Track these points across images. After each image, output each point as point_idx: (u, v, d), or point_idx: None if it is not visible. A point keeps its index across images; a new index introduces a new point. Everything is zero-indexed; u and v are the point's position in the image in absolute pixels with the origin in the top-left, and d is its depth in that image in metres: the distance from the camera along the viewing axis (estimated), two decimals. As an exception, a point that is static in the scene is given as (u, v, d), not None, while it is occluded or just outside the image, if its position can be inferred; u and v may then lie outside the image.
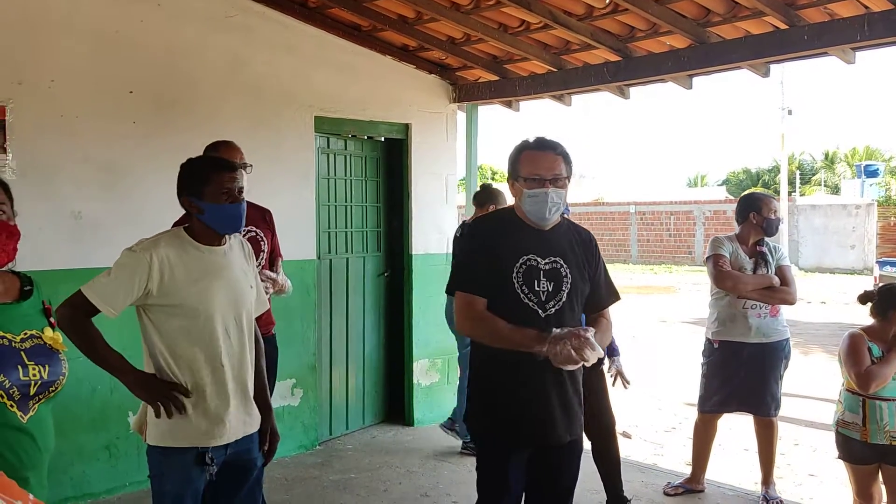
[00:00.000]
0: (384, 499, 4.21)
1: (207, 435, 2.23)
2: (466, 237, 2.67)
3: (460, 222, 5.17)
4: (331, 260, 5.21)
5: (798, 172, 33.42)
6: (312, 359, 4.97)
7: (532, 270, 2.40)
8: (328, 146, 5.20)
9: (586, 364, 2.30)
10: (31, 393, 1.72)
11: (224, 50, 4.57)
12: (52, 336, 1.85)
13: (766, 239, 4.20)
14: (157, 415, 2.19)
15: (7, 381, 1.67)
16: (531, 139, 2.53)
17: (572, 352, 2.23)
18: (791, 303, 4.06)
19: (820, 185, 34.54)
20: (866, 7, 3.79)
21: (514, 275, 2.39)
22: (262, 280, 3.21)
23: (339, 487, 4.37)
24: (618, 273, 22.55)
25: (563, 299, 2.43)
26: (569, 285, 2.44)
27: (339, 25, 5.04)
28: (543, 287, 2.40)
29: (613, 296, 2.64)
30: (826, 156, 37.16)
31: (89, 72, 4.07)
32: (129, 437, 4.20)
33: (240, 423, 2.31)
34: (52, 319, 1.91)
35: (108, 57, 4.13)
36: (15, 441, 1.69)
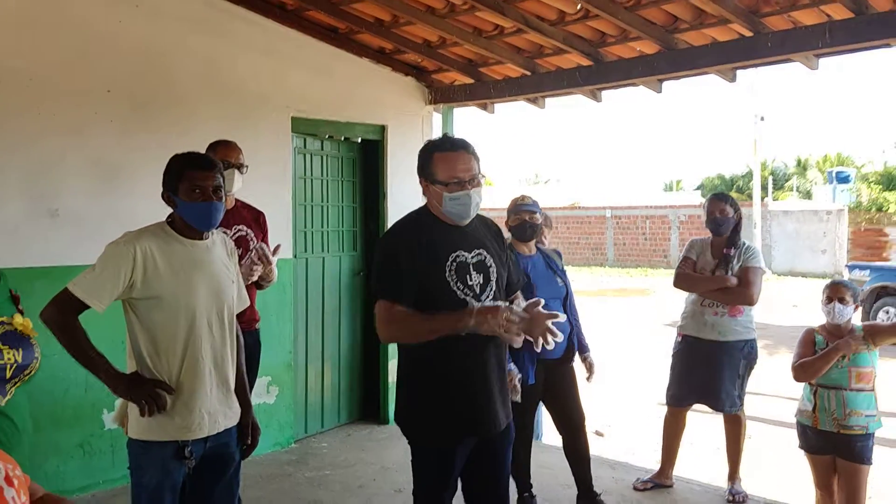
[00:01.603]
0: (359, 495, 4.26)
1: (187, 428, 2.27)
2: (381, 244, 2.54)
3: None
4: (307, 259, 5.26)
5: (771, 178, 33.87)
6: (288, 357, 5.00)
7: (462, 266, 2.43)
8: (305, 147, 5.25)
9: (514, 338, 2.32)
10: (8, 376, 1.76)
11: (202, 51, 4.60)
12: (22, 322, 1.90)
13: (745, 241, 4.31)
14: (142, 413, 2.21)
15: None
16: (439, 139, 2.53)
17: (508, 318, 2.24)
18: (747, 303, 4.14)
19: (792, 190, 35.05)
20: (828, 15, 3.93)
21: (448, 273, 2.40)
22: (258, 257, 3.25)
23: (314, 484, 4.42)
24: (594, 276, 22.83)
25: (494, 288, 2.48)
26: (495, 274, 2.50)
27: (316, 28, 5.09)
28: (475, 280, 2.43)
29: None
30: (798, 162, 37.71)
31: (67, 70, 4.09)
32: (103, 434, 4.22)
33: (220, 416, 2.35)
34: (20, 307, 1.95)
35: (86, 56, 4.15)
36: None
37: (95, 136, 4.18)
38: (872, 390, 3.89)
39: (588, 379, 4.02)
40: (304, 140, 5.24)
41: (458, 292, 2.40)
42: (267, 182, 4.79)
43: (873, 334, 3.93)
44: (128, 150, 4.27)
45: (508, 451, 2.64)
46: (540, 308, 2.30)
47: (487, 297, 2.46)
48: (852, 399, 3.82)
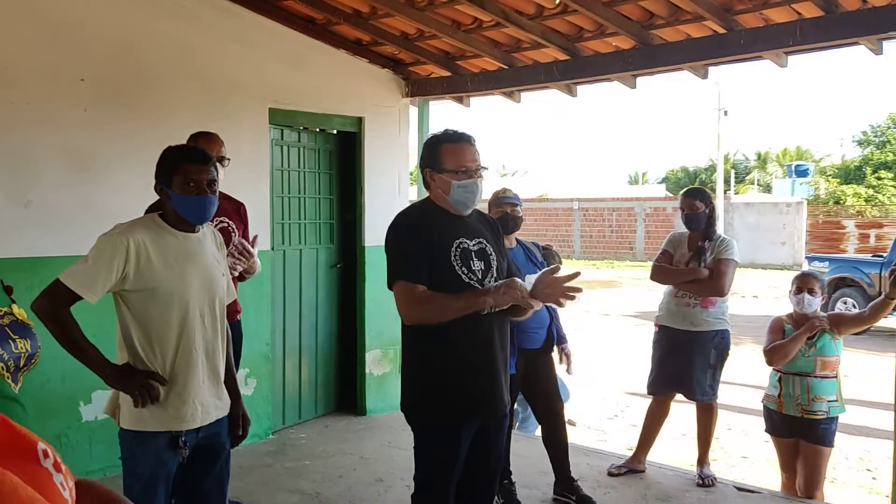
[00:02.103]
0: (339, 484, 4.29)
1: (181, 418, 2.28)
2: (393, 232, 2.62)
3: None
4: (284, 251, 5.25)
5: (733, 171, 34.54)
6: (266, 349, 5.00)
7: (466, 252, 2.55)
8: (282, 138, 5.23)
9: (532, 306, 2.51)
10: (21, 364, 1.76)
11: (177, 39, 4.56)
12: (20, 311, 1.90)
13: (720, 234, 4.43)
14: (136, 404, 2.22)
15: (5, 354, 1.71)
16: (445, 132, 2.65)
17: (523, 295, 2.44)
18: (717, 294, 4.24)
19: (753, 184, 35.77)
20: (798, 13, 4.03)
21: (453, 258, 2.52)
22: (239, 253, 3.28)
23: (294, 474, 4.43)
24: (561, 268, 22.90)
25: (495, 275, 2.60)
26: (495, 262, 2.63)
27: (293, 18, 5.07)
28: (478, 266, 2.56)
29: (516, 269, 2.83)
30: (759, 156, 38.50)
31: (40, 59, 4.02)
32: (80, 426, 4.19)
33: (212, 407, 2.36)
34: (12, 297, 1.94)
35: (59, 44, 4.09)
36: (10, 411, 1.73)
37: (69, 126, 4.12)
38: (836, 377, 4.06)
39: (568, 370, 4.10)
40: (282, 131, 5.22)
41: (464, 276, 2.51)
42: (244, 174, 4.76)
43: (838, 324, 4.11)
44: (102, 140, 4.22)
45: (503, 437, 2.72)
46: (557, 274, 2.50)
47: (489, 282, 2.56)
48: (816, 385, 3.98)
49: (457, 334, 2.49)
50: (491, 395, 2.59)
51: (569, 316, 12.42)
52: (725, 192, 25.21)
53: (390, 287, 2.57)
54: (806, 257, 13.73)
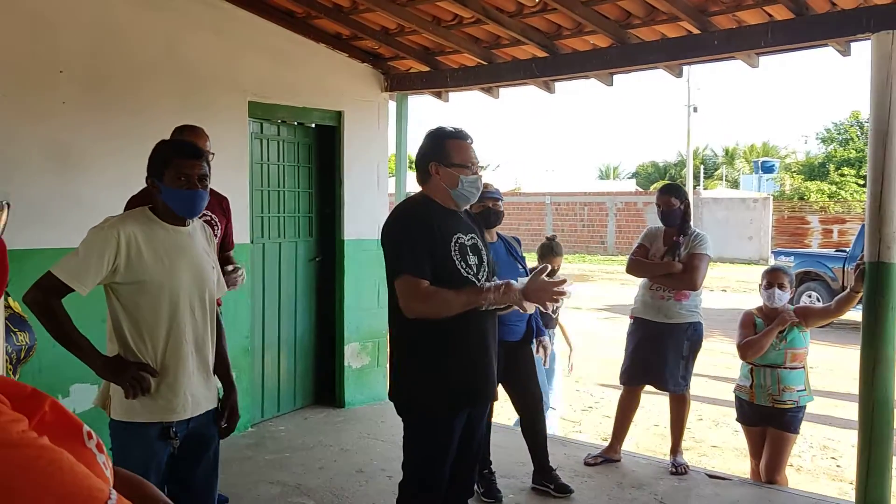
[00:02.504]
0: (320, 476, 4.33)
1: (171, 409, 2.31)
2: (398, 224, 2.65)
3: None
4: (264, 244, 5.26)
5: (702, 167, 35.02)
6: (245, 342, 5.02)
7: (463, 247, 2.63)
8: (261, 131, 5.23)
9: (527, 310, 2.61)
10: (21, 357, 1.78)
11: (156, 32, 4.54)
12: (15, 304, 1.91)
13: (695, 229, 4.54)
14: (128, 396, 2.25)
15: (9, 347, 1.73)
16: (448, 129, 2.71)
17: (517, 296, 2.53)
18: (690, 288, 4.36)
19: (721, 179, 36.32)
20: (770, 15, 4.15)
21: (453, 252, 2.58)
22: (236, 269, 3.37)
23: (275, 466, 4.46)
24: (533, 262, 23.14)
25: (487, 269, 2.69)
26: (486, 255, 2.72)
27: (274, 11, 5.07)
28: (473, 261, 2.64)
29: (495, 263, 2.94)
30: (727, 152, 39.09)
31: (18, 51, 3.98)
32: (59, 420, 4.16)
33: (202, 397, 2.39)
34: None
35: (37, 36, 4.05)
36: None
37: (48, 118, 4.09)
38: (804, 368, 4.21)
39: (545, 363, 4.19)
40: (261, 125, 5.22)
41: (462, 271, 2.58)
42: (224, 167, 4.74)
43: (805, 317, 4.26)
44: (81, 132, 4.20)
45: (485, 423, 2.83)
46: (544, 276, 2.57)
47: (483, 275, 2.64)
48: (786, 376, 4.13)
49: (456, 328, 2.56)
50: (486, 385, 2.68)
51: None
52: (695, 187, 25.57)
53: (393, 280, 2.59)
54: (772, 252, 14.02)
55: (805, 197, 26.65)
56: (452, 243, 2.59)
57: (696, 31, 4.34)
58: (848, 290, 4.11)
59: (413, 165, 2.77)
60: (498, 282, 2.59)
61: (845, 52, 4.25)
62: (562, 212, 26.42)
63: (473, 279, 2.60)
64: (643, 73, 5.10)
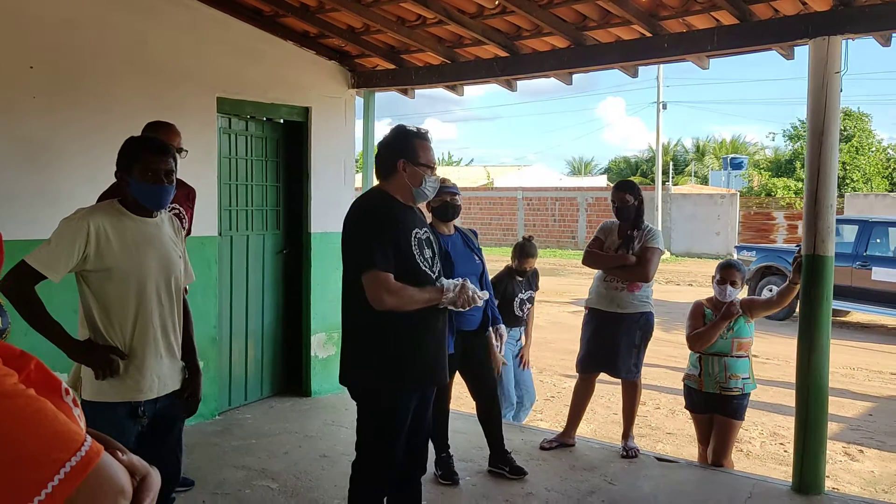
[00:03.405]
0: (284, 461, 4.48)
1: (139, 390, 2.45)
2: (364, 220, 2.75)
3: None
4: (232, 237, 5.38)
5: (672, 163, 35.50)
6: (213, 331, 5.14)
7: (420, 241, 2.80)
8: (230, 127, 5.35)
9: (478, 304, 2.81)
10: None
11: (127, 28, 4.63)
12: None
13: (648, 224, 4.74)
14: (97, 377, 2.39)
15: None
16: (412, 129, 2.88)
17: (471, 295, 2.74)
18: (642, 279, 4.57)
19: (691, 175, 36.84)
20: (717, 20, 4.36)
21: (413, 247, 2.75)
22: None
23: (240, 452, 4.60)
24: (505, 257, 23.44)
25: (438, 262, 2.88)
26: (437, 248, 2.91)
27: (242, 9, 5.18)
28: (429, 254, 2.82)
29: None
30: (697, 148, 39.65)
31: (-13, 45, 4.07)
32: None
33: (168, 379, 2.54)
34: None
35: (8, 33, 4.12)
36: None
37: (18, 113, 4.17)
38: (748, 357, 4.44)
39: (499, 349, 4.37)
40: (229, 120, 5.33)
41: (422, 264, 2.76)
42: (192, 161, 4.84)
43: (750, 308, 4.48)
44: (52, 126, 4.28)
45: (432, 404, 3.01)
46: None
47: (437, 268, 2.83)
48: (732, 364, 4.35)
49: (410, 316, 2.73)
50: (436, 368, 2.86)
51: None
52: (664, 182, 25.98)
53: (359, 274, 2.70)
54: (735, 247, 14.36)
55: (772, 193, 27.17)
56: (412, 237, 2.75)
57: (648, 35, 4.53)
58: (787, 282, 4.35)
59: (377, 161, 2.89)
60: (456, 281, 2.78)
61: (789, 55, 4.47)
62: (533, 206, 26.69)
63: (429, 271, 2.78)
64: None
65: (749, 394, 4.48)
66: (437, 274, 2.84)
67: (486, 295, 2.86)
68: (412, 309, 2.71)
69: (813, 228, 4.06)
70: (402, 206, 2.82)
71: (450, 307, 2.80)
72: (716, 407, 4.40)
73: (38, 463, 0.85)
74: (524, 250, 5.24)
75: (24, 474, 0.84)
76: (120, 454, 1.01)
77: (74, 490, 0.86)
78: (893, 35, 4.18)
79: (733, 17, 4.22)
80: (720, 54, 4.61)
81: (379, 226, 2.73)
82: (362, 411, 2.85)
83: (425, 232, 2.86)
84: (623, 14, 4.33)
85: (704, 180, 34.98)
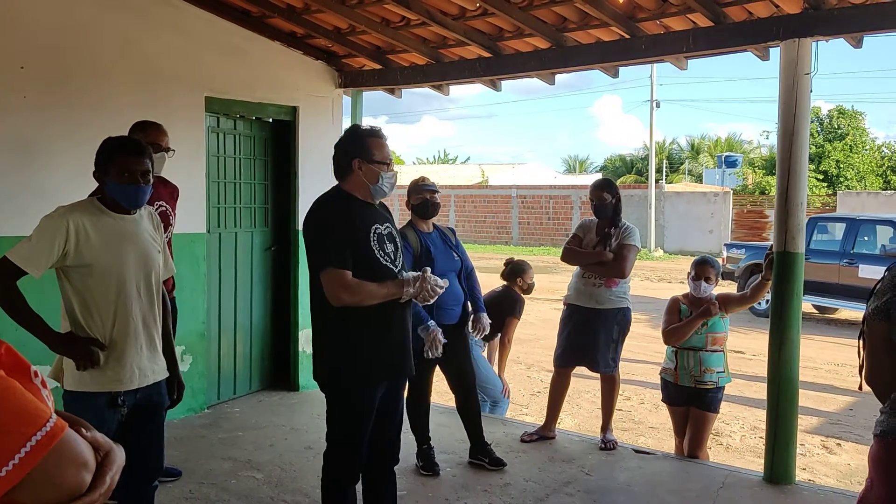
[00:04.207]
0: (270, 452, 4.58)
1: (120, 381, 2.55)
2: (320, 220, 2.83)
3: None
4: (220, 234, 5.47)
5: (667, 161, 35.61)
6: (202, 327, 5.24)
7: (381, 236, 2.88)
8: (218, 125, 5.44)
9: (438, 293, 2.89)
10: None
11: (116, 29, 4.72)
12: None
13: (625, 222, 4.83)
14: (79, 368, 2.49)
15: None
16: (365, 127, 2.99)
17: (432, 288, 2.82)
18: (619, 276, 4.66)
19: (686, 174, 36.96)
20: (693, 22, 4.46)
21: (372, 243, 2.83)
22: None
23: (227, 444, 4.70)
24: (499, 254, 23.58)
25: (401, 254, 2.97)
26: (399, 242, 3.00)
27: (229, 10, 5.27)
28: (390, 248, 2.91)
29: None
30: (692, 146, 39.76)
31: (-22, 47, 4.16)
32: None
33: (148, 370, 2.64)
34: None
35: (-1, 33, 4.22)
36: None
37: (8, 112, 4.26)
38: (723, 351, 4.55)
39: (479, 336, 4.47)
40: (218, 119, 5.43)
41: (382, 259, 2.84)
42: (181, 159, 4.92)
43: (726, 303, 4.59)
44: (41, 125, 4.37)
45: (403, 396, 3.11)
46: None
47: (400, 261, 2.92)
48: (707, 358, 4.46)
49: (376, 309, 2.81)
50: (402, 360, 2.95)
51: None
52: (658, 181, 26.10)
53: (317, 273, 2.81)
54: (725, 245, 14.47)
55: (766, 191, 27.30)
56: (371, 234, 2.84)
57: (626, 36, 4.63)
58: (759, 278, 4.45)
59: (334, 162, 2.97)
60: (414, 274, 2.87)
61: (764, 56, 4.57)
62: (528, 204, 26.79)
63: (391, 266, 2.87)
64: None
65: (724, 387, 4.59)
66: (399, 267, 2.91)
67: (446, 283, 2.92)
68: (371, 304, 2.78)
69: (784, 226, 4.16)
70: (361, 203, 2.89)
71: (414, 300, 2.89)
72: (691, 400, 4.51)
73: (6, 436, 0.95)
74: (515, 272, 5.56)
75: None
76: (84, 431, 1.10)
77: (40, 461, 0.96)
78: (864, 36, 4.29)
79: (708, 20, 4.32)
80: (697, 55, 4.71)
81: (333, 225, 2.80)
82: (330, 403, 2.95)
83: (386, 227, 2.93)
84: (601, 16, 4.42)
85: (699, 178, 35.08)
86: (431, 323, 3.95)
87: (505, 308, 5.59)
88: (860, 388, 2.23)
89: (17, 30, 4.29)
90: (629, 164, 40.13)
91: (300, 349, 5.94)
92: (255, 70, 5.52)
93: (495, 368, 5.76)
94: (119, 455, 1.11)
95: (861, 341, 2.17)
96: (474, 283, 4.43)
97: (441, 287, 2.87)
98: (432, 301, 2.89)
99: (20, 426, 0.95)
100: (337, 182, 2.96)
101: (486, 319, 4.38)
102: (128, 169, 2.54)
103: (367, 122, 6.32)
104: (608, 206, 4.77)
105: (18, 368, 1.08)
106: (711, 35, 4.39)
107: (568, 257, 4.84)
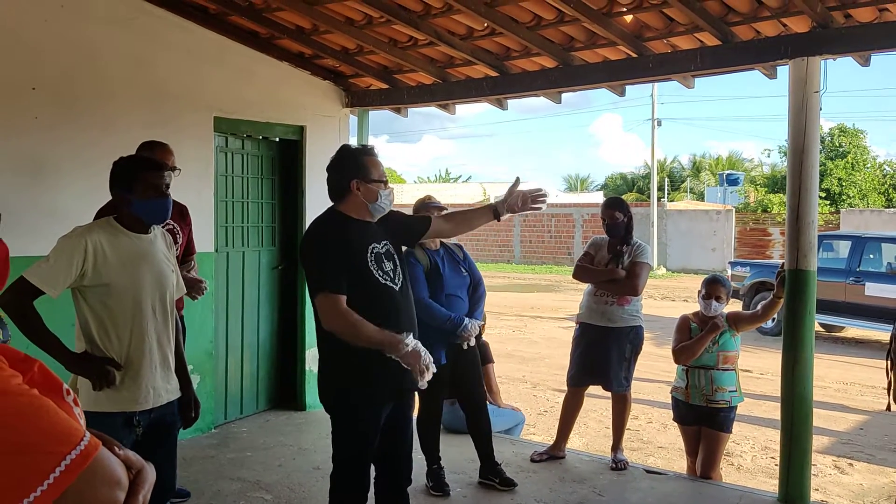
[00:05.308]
0: (278, 472, 4.55)
1: (134, 400, 2.54)
2: (314, 245, 2.80)
3: None
4: (228, 253, 5.47)
5: (668, 179, 35.68)
6: (210, 346, 5.22)
7: (378, 255, 2.85)
8: (226, 145, 5.46)
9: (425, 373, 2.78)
10: None
11: (127, 51, 4.75)
12: None
13: (637, 240, 4.84)
14: (95, 388, 2.48)
15: None
16: (360, 147, 3.00)
17: (423, 366, 2.74)
18: (632, 293, 4.65)
19: (687, 192, 37.02)
20: (701, 41, 4.48)
21: (370, 262, 2.80)
22: (201, 281, 3.65)
23: (235, 464, 4.67)
24: (502, 273, 23.60)
25: (401, 272, 2.92)
26: (399, 260, 2.95)
27: (239, 32, 5.31)
28: (389, 267, 2.86)
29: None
30: (694, 164, 39.86)
31: (-7, 68, 4.18)
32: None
33: (163, 390, 2.63)
34: None
35: (10, 55, 4.24)
36: None
37: (19, 132, 4.28)
38: (735, 370, 4.52)
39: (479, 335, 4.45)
40: (226, 139, 5.45)
41: (381, 279, 2.81)
42: (190, 179, 4.96)
43: (736, 322, 4.57)
44: (52, 145, 4.39)
45: (411, 418, 3.11)
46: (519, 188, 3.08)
47: (400, 279, 2.88)
48: (718, 377, 4.42)
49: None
50: (405, 381, 2.87)
51: (508, 318, 12.87)
52: (660, 199, 26.13)
53: (313, 296, 2.80)
54: (729, 263, 14.45)
55: (768, 209, 27.35)
56: (368, 254, 2.81)
57: (633, 55, 4.66)
58: (771, 296, 4.44)
59: (329, 184, 2.93)
60: (421, 348, 2.75)
61: (771, 75, 4.59)
62: (530, 223, 26.80)
63: (390, 284, 2.83)
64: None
65: (736, 406, 4.55)
66: (399, 284, 2.87)
67: (434, 370, 2.80)
68: (356, 343, 2.71)
69: (795, 244, 4.16)
70: (358, 223, 2.86)
71: (414, 311, 2.87)
72: (703, 419, 4.47)
73: (41, 455, 0.93)
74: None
75: (28, 465, 0.92)
76: (117, 449, 1.09)
77: (74, 480, 0.95)
78: (872, 55, 4.31)
79: (716, 39, 4.34)
80: (705, 74, 4.73)
81: (327, 248, 2.77)
82: (335, 424, 2.93)
83: (384, 245, 2.89)
84: (608, 35, 4.45)
85: (700, 196, 35.13)
86: (467, 320, 4.10)
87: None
88: (888, 408, 2.21)
89: (29, 52, 4.31)
90: (630, 182, 40.21)
91: (307, 368, 5.92)
92: (263, 90, 5.55)
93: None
94: (151, 473, 1.11)
95: (889, 361, 2.15)
96: (480, 295, 4.40)
97: (431, 371, 2.76)
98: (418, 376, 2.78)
99: (54, 445, 0.94)
100: (332, 203, 2.94)
101: (474, 326, 4.23)
102: (153, 184, 2.55)
103: (370, 141, 6.35)
104: (620, 225, 4.77)
105: (51, 387, 1.07)
106: (719, 54, 4.41)
107: (580, 275, 4.83)
